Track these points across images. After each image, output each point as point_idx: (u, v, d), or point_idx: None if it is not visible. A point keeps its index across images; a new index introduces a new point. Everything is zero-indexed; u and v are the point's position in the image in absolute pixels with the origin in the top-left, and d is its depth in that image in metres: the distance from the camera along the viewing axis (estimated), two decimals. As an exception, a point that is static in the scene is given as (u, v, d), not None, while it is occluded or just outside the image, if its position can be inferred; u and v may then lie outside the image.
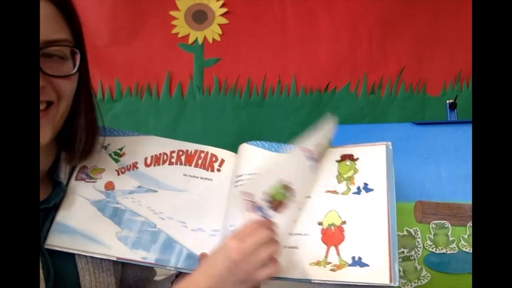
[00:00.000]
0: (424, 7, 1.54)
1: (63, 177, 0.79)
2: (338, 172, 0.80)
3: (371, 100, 1.55)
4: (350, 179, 0.78)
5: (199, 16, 1.52)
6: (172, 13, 1.51)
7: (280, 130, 1.53)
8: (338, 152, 0.82)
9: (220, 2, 1.51)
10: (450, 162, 1.09)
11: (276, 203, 0.75)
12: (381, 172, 0.77)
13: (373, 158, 0.79)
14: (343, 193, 0.78)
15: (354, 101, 1.54)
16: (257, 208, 0.74)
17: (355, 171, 0.79)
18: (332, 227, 0.75)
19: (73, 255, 0.75)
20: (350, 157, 0.81)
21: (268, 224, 0.70)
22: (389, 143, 0.79)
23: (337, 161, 0.81)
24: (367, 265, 0.70)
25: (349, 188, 0.78)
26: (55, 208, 0.77)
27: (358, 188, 0.77)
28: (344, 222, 0.75)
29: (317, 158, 0.80)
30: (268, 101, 1.54)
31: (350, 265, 0.71)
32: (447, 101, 1.23)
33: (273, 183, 0.76)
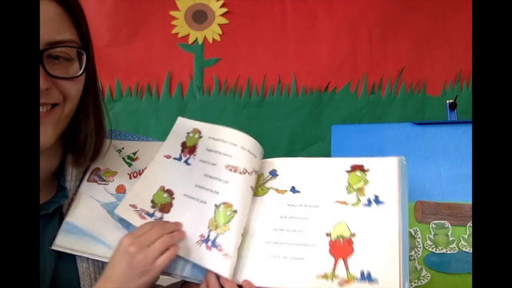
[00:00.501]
0: (424, 7, 1.54)
1: (69, 179, 0.78)
2: (348, 182, 0.78)
3: (371, 100, 1.55)
4: (360, 190, 0.77)
5: (199, 16, 1.52)
6: (172, 13, 1.51)
7: (280, 130, 1.53)
8: (348, 162, 0.80)
9: (220, 2, 1.51)
10: (450, 162, 1.09)
11: (162, 206, 0.78)
12: (392, 185, 0.75)
13: (384, 171, 0.77)
14: (353, 205, 0.76)
15: (354, 101, 1.54)
16: (148, 214, 0.77)
17: (366, 182, 0.77)
18: (341, 239, 0.73)
19: (74, 258, 0.75)
20: (360, 168, 0.79)
21: (160, 222, 0.74)
22: (403, 157, 0.78)
23: (347, 171, 0.79)
24: (376, 281, 0.68)
25: (359, 199, 0.76)
26: (60, 213, 0.77)
27: (369, 200, 0.76)
28: (353, 235, 0.73)
29: (183, 154, 0.83)
30: (268, 101, 1.54)
31: (358, 280, 0.69)
32: (447, 101, 1.23)
33: (154, 191, 0.79)
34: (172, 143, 0.84)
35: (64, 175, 0.78)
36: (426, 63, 1.55)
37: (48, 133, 0.68)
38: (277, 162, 0.84)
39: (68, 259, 0.74)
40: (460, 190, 1.06)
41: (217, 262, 0.73)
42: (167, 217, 0.77)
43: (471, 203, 1.03)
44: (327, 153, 1.21)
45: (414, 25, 1.54)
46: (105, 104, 0.80)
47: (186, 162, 0.82)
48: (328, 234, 0.74)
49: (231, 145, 0.82)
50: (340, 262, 0.71)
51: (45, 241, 0.73)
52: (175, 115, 1.50)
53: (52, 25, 0.64)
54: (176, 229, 0.74)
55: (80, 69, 0.69)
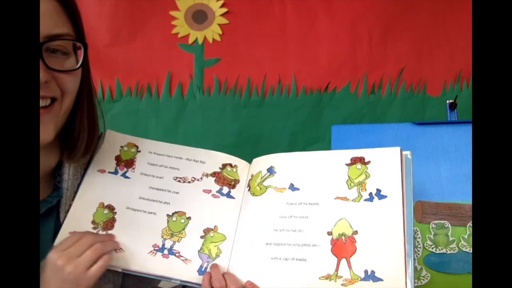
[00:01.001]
0: (424, 7, 1.54)
1: (66, 178, 0.78)
2: (348, 176, 0.75)
3: (371, 100, 1.55)
4: (361, 185, 0.74)
5: (199, 16, 1.52)
6: (172, 13, 1.51)
7: (280, 130, 1.53)
8: (348, 154, 0.77)
9: (220, 2, 1.51)
10: (450, 162, 1.09)
11: (105, 223, 0.77)
12: (395, 177, 0.72)
13: (386, 162, 0.74)
14: (353, 200, 0.73)
15: (354, 101, 1.54)
16: None
17: (367, 175, 0.75)
18: (343, 237, 0.71)
19: None
20: (361, 160, 0.76)
21: (90, 232, 0.74)
22: (408, 152, 0.74)
23: (347, 165, 0.76)
24: (381, 280, 0.66)
25: (361, 194, 0.73)
26: (56, 214, 0.76)
27: (370, 194, 0.73)
28: (355, 232, 0.71)
29: (119, 168, 0.82)
30: (268, 101, 1.54)
31: (362, 279, 0.67)
32: (447, 101, 1.23)
33: (93, 210, 0.78)
34: (104, 157, 0.83)
35: (61, 174, 0.78)
36: (426, 63, 1.55)
37: (49, 130, 0.69)
38: (274, 159, 0.83)
39: None
40: (460, 190, 1.06)
41: (178, 268, 0.74)
42: (112, 233, 0.76)
43: (471, 203, 1.03)
44: (327, 153, 1.21)
45: (414, 25, 1.54)
46: (99, 103, 0.81)
47: (124, 175, 0.82)
48: (330, 233, 0.72)
49: (177, 159, 0.84)
50: (343, 261, 0.69)
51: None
52: (175, 115, 1.52)
53: (49, 19, 0.65)
54: (108, 239, 0.74)
55: (77, 63, 0.70)
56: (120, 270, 0.75)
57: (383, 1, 1.53)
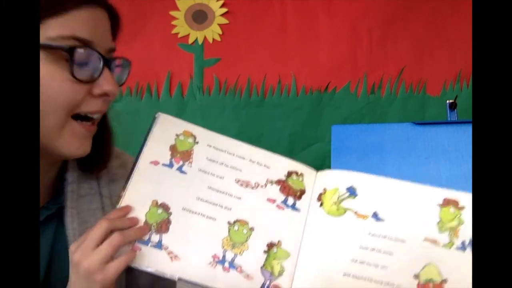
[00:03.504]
0: (424, 7, 1.54)
1: (71, 181, 0.75)
2: (440, 218, 0.71)
3: (371, 100, 1.55)
4: (453, 230, 0.69)
5: (199, 16, 1.52)
6: (172, 13, 1.51)
7: (280, 130, 1.53)
8: (441, 194, 0.73)
9: (220, 2, 1.51)
10: (450, 162, 1.09)
11: (159, 225, 0.68)
12: None
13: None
14: (444, 246, 0.69)
15: (354, 101, 1.54)
16: (143, 243, 0.67)
17: (460, 221, 0.70)
18: (431, 284, 0.66)
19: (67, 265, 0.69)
20: (454, 204, 0.72)
21: (108, 218, 0.64)
22: None
23: (439, 205, 0.72)
24: None
25: (452, 241, 0.69)
26: (55, 221, 0.73)
27: (463, 243, 0.68)
28: (444, 281, 0.66)
29: (175, 160, 0.73)
30: (268, 101, 1.54)
31: None
32: (447, 101, 1.23)
33: (145, 209, 0.69)
34: (158, 146, 0.74)
35: (66, 178, 0.75)
36: (426, 63, 1.55)
37: (89, 144, 0.68)
38: (355, 178, 0.76)
39: (67, 259, 0.72)
40: (460, 190, 1.06)
41: (239, 284, 0.68)
42: (167, 237, 0.68)
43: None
44: (327, 153, 1.21)
45: (414, 25, 1.54)
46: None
47: (180, 169, 0.73)
48: (416, 276, 0.67)
49: (239, 159, 0.76)
50: None
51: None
52: (175, 115, 1.51)
53: (107, 33, 0.69)
54: (130, 225, 0.65)
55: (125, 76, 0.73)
56: (176, 279, 0.68)
57: (383, 1, 1.53)
